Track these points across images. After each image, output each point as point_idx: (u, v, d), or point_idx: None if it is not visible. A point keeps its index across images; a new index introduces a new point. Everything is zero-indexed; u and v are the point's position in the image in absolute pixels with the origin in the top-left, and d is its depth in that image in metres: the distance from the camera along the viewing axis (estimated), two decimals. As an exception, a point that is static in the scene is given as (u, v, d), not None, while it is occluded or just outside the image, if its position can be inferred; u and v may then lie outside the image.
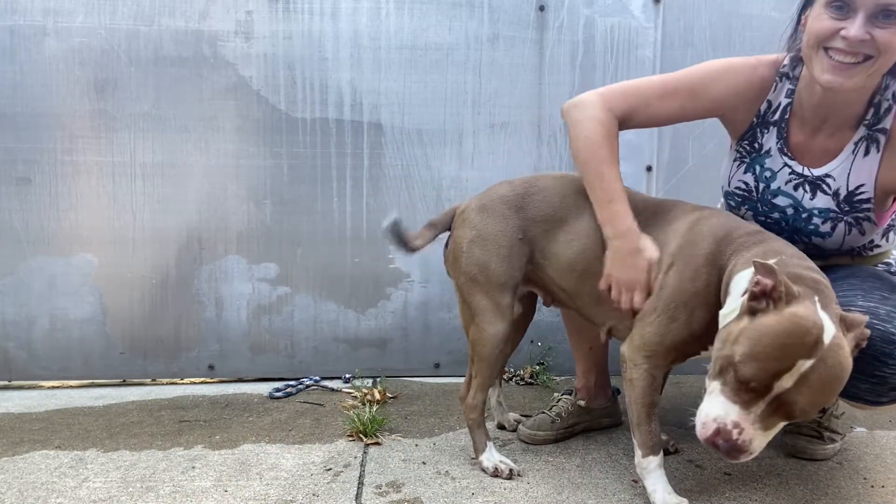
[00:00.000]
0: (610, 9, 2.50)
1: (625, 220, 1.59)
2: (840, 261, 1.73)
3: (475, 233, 1.73)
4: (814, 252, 1.65)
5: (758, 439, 1.23)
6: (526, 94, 2.52)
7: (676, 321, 1.49)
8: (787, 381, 1.18)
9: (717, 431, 1.24)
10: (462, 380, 1.85)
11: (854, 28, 1.42)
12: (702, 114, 1.73)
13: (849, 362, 1.21)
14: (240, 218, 2.50)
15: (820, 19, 1.47)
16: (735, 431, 1.22)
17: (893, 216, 1.68)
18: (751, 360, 1.20)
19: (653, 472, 1.50)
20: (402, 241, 1.82)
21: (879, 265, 1.76)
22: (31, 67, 2.38)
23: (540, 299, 1.88)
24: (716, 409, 1.25)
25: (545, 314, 2.56)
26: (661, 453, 1.51)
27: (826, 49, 1.47)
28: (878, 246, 1.74)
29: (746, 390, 1.21)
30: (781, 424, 1.25)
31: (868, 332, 1.28)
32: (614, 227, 1.59)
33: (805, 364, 1.17)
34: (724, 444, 1.23)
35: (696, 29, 2.53)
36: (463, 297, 1.76)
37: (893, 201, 1.64)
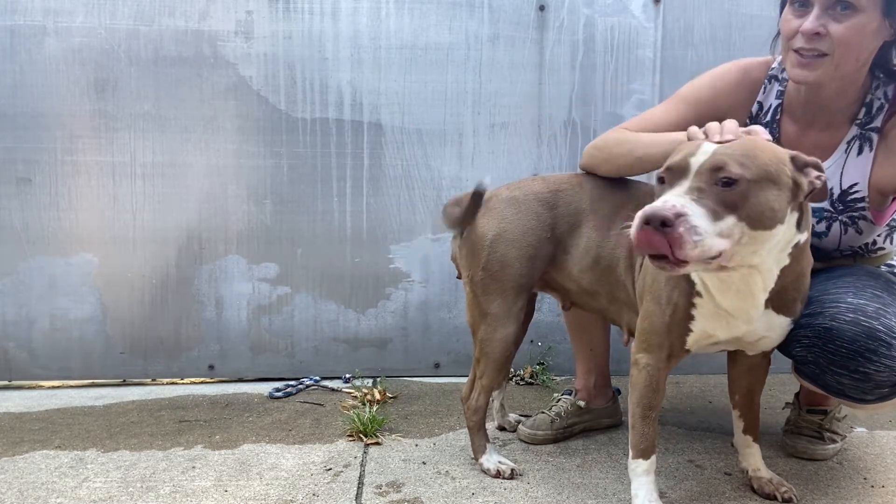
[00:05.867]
0: (610, 9, 2.50)
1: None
2: (842, 262, 1.73)
3: (503, 227, 1.67)
4: (814, 254, 1.65)
5: None
6: (526, 94, 2.52)
7: (659, 302, 1.45)
8: None
9: None
10: (463, 380, 1.85)
11: (808, 22, 1.46)
12: (700, 119, 1.72)
13: None
14: (240, 218, 2.50)
15: (786, 20, 1.53)
16: None
17: (895, 216, 1.68)
18: None
19: (639, 476, 1.47)
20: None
21: (882, 266, 1.76)
22: (31, 67, 2.38)
23: (540, 301, 1.86)
24: None
25: (545, 314, 2.56)
26: (653, 459, 1.47)
27: (791, 48, 1.52)
28: (882, 248, 1.74)
29: None
30: None
31: None
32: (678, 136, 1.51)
33: None
34: None
35: (696, 29, 2.53)
36: (475, 293, 1.69)
37: (892, 201, 1.64)
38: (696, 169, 1.21)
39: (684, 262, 1.17)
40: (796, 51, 1.51)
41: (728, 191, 1.18)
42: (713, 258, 1.19)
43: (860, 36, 1.47)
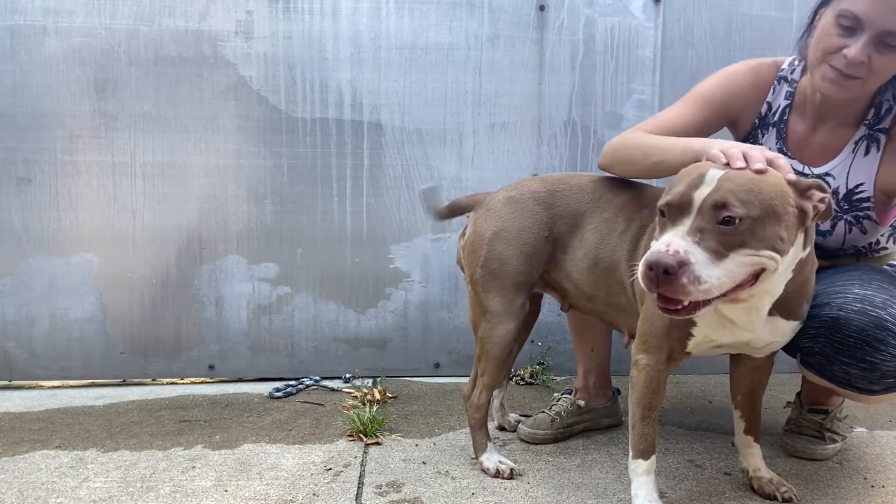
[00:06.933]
0: (610, 9, 2.50)
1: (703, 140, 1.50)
2: (846, 261, 1.74)
3: (500, 225, 1.70)
4: (817, 252, 1.66)
5: None
6: (526, 94, 2.52)
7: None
8: None
9: None
10: (463, 379, 1.85)
11: (855, 49, 1.46)
12: (716, 119, 1.73)
13: None
14: (240, 218, 2.50)
15: (828, 34, 1.51)
16: None
17: None
18: None
19: (639, 476, 1.47)
20: (434, 208, 1.86)
21: (886, 266, 1.77)
22: (31, 67, 2.38)
23: (546, 301, 1.86)
24: None
25: (545, 314, 2.56)
26: (653, 459, 1.48)
27: (828, 62, 1.52)
28: (885, 248, 1.75)
29: None
30: None
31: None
32: (702, 144, 1.44)
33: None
34: None
35: (696, 29, 2.53)
36: (475, 291, 1.72)
37: None
38: (698, 205, 1.18)
39: (694, 309, 1.18)
40: (833, 67, 1.50)
41: (730, 229, 1.16)
42: (724, 295, 1.19)
43: None
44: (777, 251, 1.20)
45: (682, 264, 1.14)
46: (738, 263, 1.18)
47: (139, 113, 2.43)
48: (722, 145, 1.34)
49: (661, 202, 1.24)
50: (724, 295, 1.19)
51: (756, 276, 1.22)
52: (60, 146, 2.42)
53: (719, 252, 1.16)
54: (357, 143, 2.50)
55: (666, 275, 1.13)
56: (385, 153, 2.51)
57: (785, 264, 1.25)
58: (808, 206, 1.24)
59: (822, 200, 1.25)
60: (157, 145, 2.45)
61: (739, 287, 1.21)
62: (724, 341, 1.43)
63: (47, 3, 2.36)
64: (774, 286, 1.30)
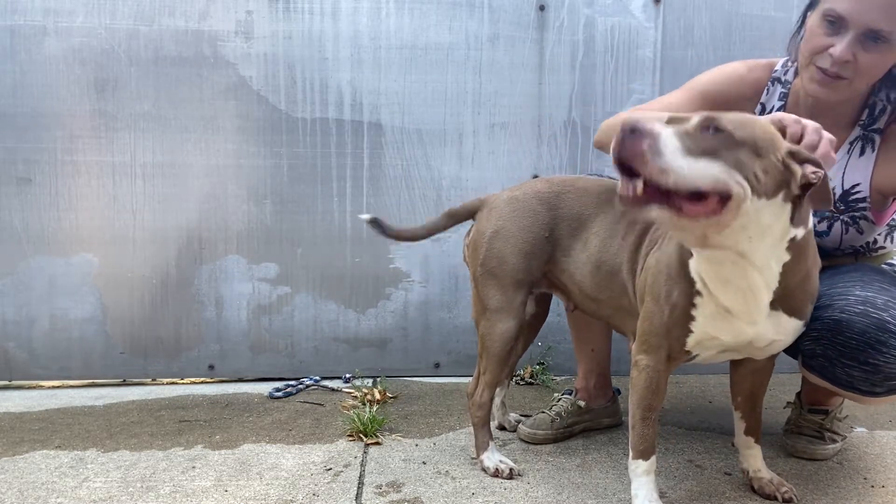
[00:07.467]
0: (610, 9, 2.50)
1: None
2: (844, 261, 1.74)
3: (500, 224, 1.71)
4: None
5: None
6: (526, 94, 2.52)
7: (658, 302, 1.43)
8: None
9: None
10: (462, 380, 1.85)
11: (840, 47, 1.47)
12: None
13: None
14: (240, 218, 2.50)
15: (814, 34, 1.53)
16: None
17: (895, 216, 1.69)
18: None
19: (639, 476, 1.47)
20: (385, 230, 1.86)
21: (883, 265, 1.77)
22: (31, 67, 2.38)
23: (556, 302, 1.86)
24: None
25: (545, 314, 2.56)
26: (652, 459, 1.48)
27: (814, 63, 1.53)
28: (883, 247, 1.75)
29: None
30: None
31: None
32: None
33: None
34: None
35: (696, 29, 2.53)
36: (477, 288, 1.74)
37: (893, 201, 1.65)
38: (695, 121, 1.19)
39: (647, 201, 1.14)
40: (819, 67, 1.51)
41: (709, 135, 1.16)
42: (682, 208, 1.15)
43: (884, 65, 1.51)
44: (748, 182, 1.16)
45: (651, 135, 1.12)
46: (704, 168, 1.14)
47: (139, 113, 2.43)
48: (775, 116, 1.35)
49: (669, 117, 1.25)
50: (682, 208, 1.14)
51: (722, 203, 1.17)
52: (60, 146, 2.42)
53: (692, 151, 1.14)
54: (357, 143, 2.50)
55: (631, 135, 1.11)
56: (385, 153, 2.51)
57: (760, 213, 1.20)
58: (798, 170, 1.21)
59: (813, 173, 1.21)
60: (157, 145, 2.45)
61: (701, 205, 1.15)
62: (725, 339, 1.40)
63: (47, 3, 2.36)
64: (755, 252, 1.25)
